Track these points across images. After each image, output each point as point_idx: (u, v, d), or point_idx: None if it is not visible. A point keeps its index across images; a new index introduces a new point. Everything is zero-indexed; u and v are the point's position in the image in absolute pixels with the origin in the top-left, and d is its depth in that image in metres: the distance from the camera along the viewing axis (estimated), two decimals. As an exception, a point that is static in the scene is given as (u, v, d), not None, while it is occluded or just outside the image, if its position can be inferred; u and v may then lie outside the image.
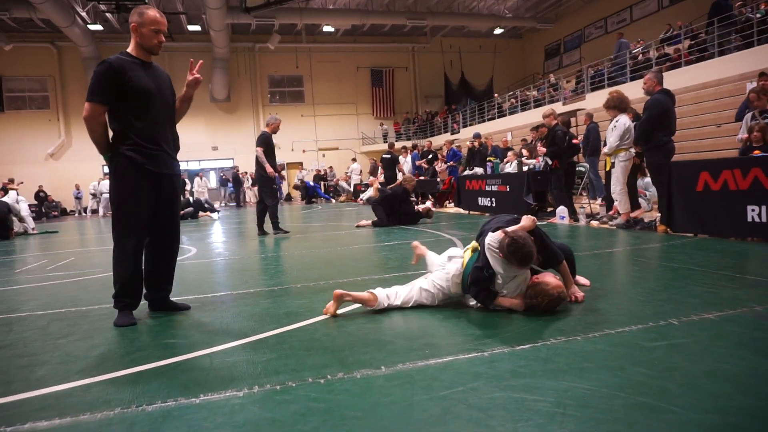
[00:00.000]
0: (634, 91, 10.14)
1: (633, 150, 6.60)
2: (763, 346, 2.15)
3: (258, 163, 8.02)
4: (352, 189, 21.00)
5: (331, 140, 28.56)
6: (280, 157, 27.65)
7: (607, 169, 6.99)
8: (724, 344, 2.20)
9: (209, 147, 26.79)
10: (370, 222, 8.99)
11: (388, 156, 13.91)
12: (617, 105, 6.69)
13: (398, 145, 23.39)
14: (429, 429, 1.61)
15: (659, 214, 6.17)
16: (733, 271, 3.66)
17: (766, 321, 2.48)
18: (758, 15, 12.33)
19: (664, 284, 3.33)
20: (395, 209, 8.83)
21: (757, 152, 5.74)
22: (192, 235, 9.49)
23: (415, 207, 9.21)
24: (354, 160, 25.60)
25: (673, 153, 6.30)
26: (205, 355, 2.45)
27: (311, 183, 23.68)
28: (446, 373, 2.06)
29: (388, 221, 8.72)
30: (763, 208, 4.69)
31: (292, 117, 28.26)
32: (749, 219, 4.82)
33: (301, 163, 27.91)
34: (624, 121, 6.58)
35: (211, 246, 7.50)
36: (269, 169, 7.93)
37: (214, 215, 14.88)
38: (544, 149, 7.97)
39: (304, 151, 28.36)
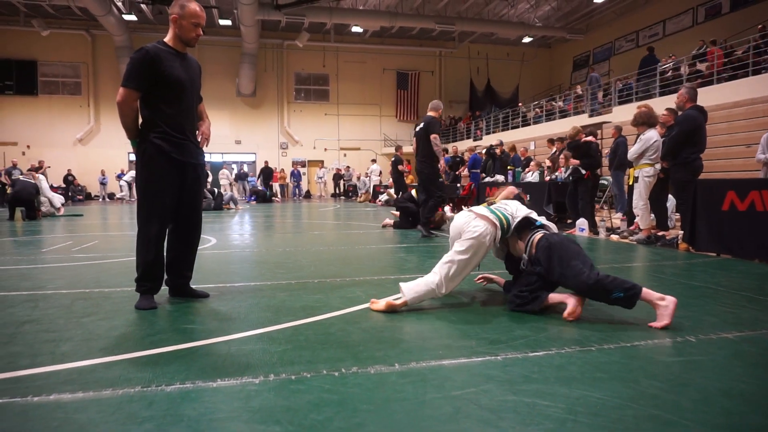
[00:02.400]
0: (663, 106, 10.01)
1: (658, 166, 6.53)
2: (782, 368, 2.13)
3: (427, 151, 7.12)
4: (371, 189, 21.04)
5: (354, 140, 28.69)
6: (302, 155, 27.98)
7: (630, 183, 6.92)
8: (742, 364, 2.18)
9: (233, 140, 27.11)
10: (392, 222, 9.04)
11: (393, 159, 14.02)
12: (646, 121, 6.62)
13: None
14: (440, 426, 1.64)
15: (681, 232, 6.09)
16: (755, 293, 3.61)
17: (786, 344, 2.44)
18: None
19: (683, 302, 3.30)
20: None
21: (786, 174, 5.64)
22: (212, 225, 9.62)
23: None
24: (374, 161, 25.68)
25: (700, 171, 6.22)
26: (223, 342, 2.50)
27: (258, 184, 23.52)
28: (459, 373, 2.08)
29: (410, 223, 8.74)
30: (790, 231, 4.61)
31: (316, 115, 28.48)
32: (774, 242, 4.74)
33: (322, 161, 28.11)
34: (651, 135, 6.51)
35: (231, 237, 7.60)
36: (442, 160, 7.27)
37: (232, 209, 15.06)
38: (576, 161, 7.89)
39: (326, 149, 28.55)
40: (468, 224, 3.13)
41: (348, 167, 27.10)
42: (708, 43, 15.47)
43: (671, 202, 7.40)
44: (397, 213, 9.17)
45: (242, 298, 3.49)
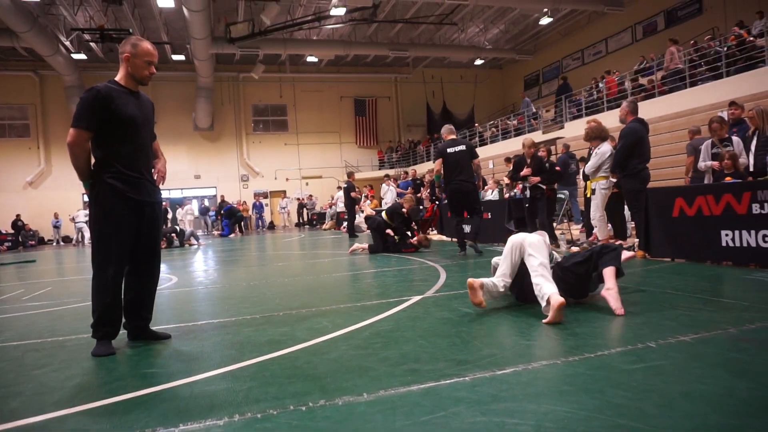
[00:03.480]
0: (612, 120, 10.42)
1: (612, 178, 6.75)
2: (738, 367, 2.20)
3: (471, 171, 7.53)
4: (336, 216, 20.99)
5: (315, 168, 28.68)
6: (263, 186, 27.76)
7: (588, 195, 7.13)
8: (700, 366, 2.24)
9: (192, 175, 26.69)
10: (365, 246, 9.00)
11: (345, 185, 14.09)
12: (599, 134, 6.86)
13: (381, 173, 23.57)
14: (410, 454, 1.61)
15: (637, 240, 6.29)
16: (709, 295, 3.74)
17: (741, 343, 2.53)
18: (726, 48, 12.85)
19: (642, 308, 3.39)
20: (395, 230, 8.85)
21: (728, 179, 5.91)
22: (173, 263, 9.38)
23: (411, 239, 9.10)
24: (339, 188, 25.69)
25: (648, 180, 6.46)
26: (185, 384, 2.42)
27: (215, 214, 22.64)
28: (428, 398, 2.06)
29: (383, 247, 8.74)
30: (736, 233, 4.82)
31: (276, 145, 28.41)
32: (723, 243, 4.95)
33: (284, 192, 27.92)
34: (605, 149, 6.73)
35: (193, 275, 7.42)
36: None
37: (195, 245, 14.77)
38: (536, 178, 8.04)
39: (287, 179, 28.41)
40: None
41: (311, 196, 27.00)
42: (647, 58, 16.29)
43: (627, 212, 7.64)
44: (363, 245, 9.13)
45: (205, 336, 3.39)
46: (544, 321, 3.10)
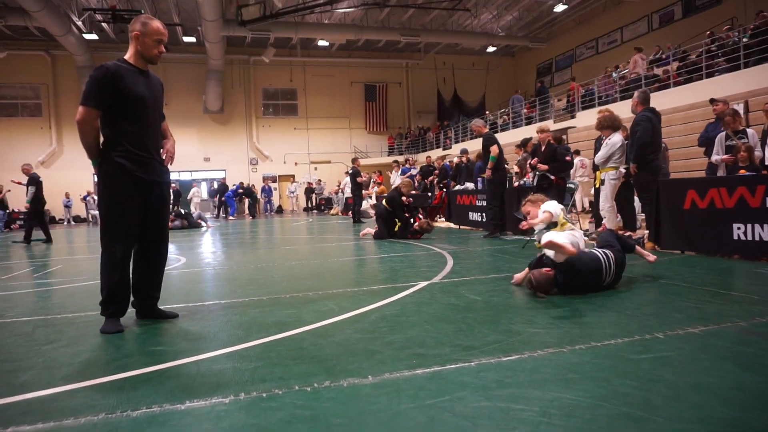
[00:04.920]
0: (624, 110, 10.29)
1: (623, 168, 6.68)
2: (747, 360, 2.18)
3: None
4: (344, 202, 20.97)
5: (324, 153, 28.65)
6: (272, 170, 27.79)
7: (597, 186, 7.06)
8: (708, 357, 2.23)
9: (201, 158, 26.76)
10: (372, 231, 9.03)
11: (351, 171, 14.10)
12: (611, 124, 6.77)
13: (390, 159, 23.53)
14: (414, 437, 1.62)
15: (647, 231, 6.23)
16: (719, 288, 3.71)
17: (750, 336, 2.51)
18: (744, 39, 12.60)
19: (651, 299, 3.36)
20: (396, 218, 8.86)
21: (742, 171, 5.83)
22: (182, 244, 9.44)
23: (414, 225, 9.11)
24: (347, 173, 25.69)
25: (659, 171, 6.39)
26: (192, 363, 2.44)
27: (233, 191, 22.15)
28: (433, 382, 2.06)
29: (388, 233, 8.75)
30: (749, 226, 4.76)
31: (285, 130, 28.39)
32: (735, 237, 4.89)
33: (293, 176, 27.95)
34: (616, 139, 6.65)
35: (201, 256, 7.46)
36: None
37: (204, 227, 14.85)
38: (544, 166, 7.99)
39: (296, 163, 28.42)
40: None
41: (319, 181, 27.01)
42: (663, 48, 16.03)
43: (638, 203, 7.57)
44: (372, 230, 9.13)
45: (213, 316, 3.41)
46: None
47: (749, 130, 6.43)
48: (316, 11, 21.99)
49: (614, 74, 17.10)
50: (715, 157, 6.57)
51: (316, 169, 28.53)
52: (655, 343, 2.46)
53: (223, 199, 21.63)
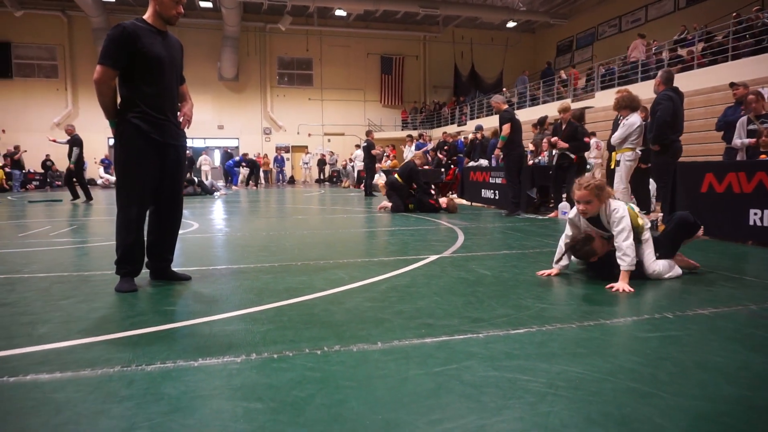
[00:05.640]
0: (646, 90, 10.10)
1: (639, 150, 6.59)
2: (755, 342, 2.18)
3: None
4: (356, 175, 20.95)
5: (338, 125, 28.52)
6: (285, 140, 27.76)
7: (612, 167, 6.98)
8: (717, 338, 2.23)
9: (215, 126, 26.76)
10: (389, 205, 9.03)
11: (365, 144, 13.98)
12: (629, 104, 6.64)
13: (404, 133, 23.40)
14: (422, 401, 1.65)
15: (661, 214, 6.17)
16: (731, 272, 3.68)
17: (761, 319, 2.50)
18: (774, 20, 12.23)
19: (662, 282, 3.35)
20: (410, 188, 8.87)
21: (763, 157, 5.73)
22: (194, 210, 9.52)
23: (434, 199, 9.12)
24: (358, 146, 25.58)
25: (680, 153, 6.29)
26: (204, 323, 2.48)
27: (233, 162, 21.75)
28: (441, 351, 2.09)
29: (404, 207, 8.75)
30: (766, 212, 4.70)
31: (300, 100, 28.24)
32: (751, 222, 4.83)
33: (306, 147, 27.90)
34: (634, 120, 6.54)
35: (213, 222, 7.53)
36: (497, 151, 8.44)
37: (216, 194, 14.96)
38: (564, 144, 7.91)
39: (309, 135, 28.34)
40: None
41: (332, 152, 26.94)
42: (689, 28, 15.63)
43: (652, 185, 7.49)
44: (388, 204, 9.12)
45: (225, 280, 3.46)
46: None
47: (773, 115, 6.28)
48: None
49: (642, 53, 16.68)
50: (737, 141, 6.45)
51: (329, 140, 28.45)
52: (665, 322, 2.46)
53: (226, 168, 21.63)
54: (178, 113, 3.32)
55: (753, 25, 12.92)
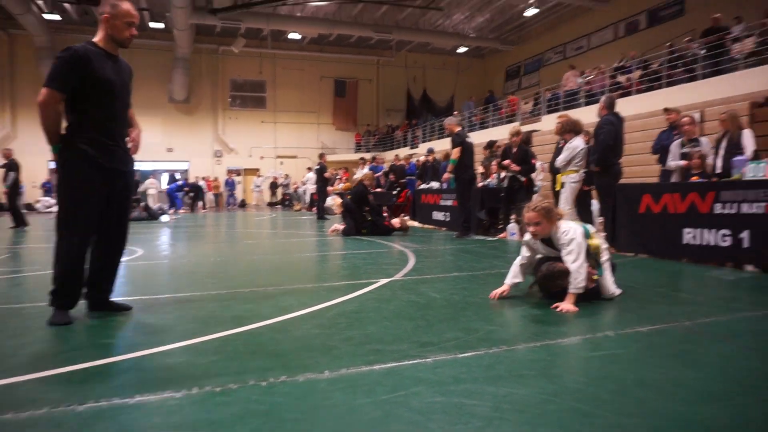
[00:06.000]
0: (589, 115, 10.55)
1: (583, 172, 6.85)
2: (689, 357, 2.27)
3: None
4: (308, 198, 20.81)
5: (291, 148, 28.37)
6: (237, 163, 27.37)
7: (557, 188, 7.21)
8: (655, 355, 2.31)
9: (164, 148, 26.10)
10: (341, 227, 8.97)
11: (317, 167, 13.96)
12: (572, 128, 6.93)
13: (357, 156, 23.54)
14: (369, 431, 1.62)
15: (604, 234, 6.40)
16: (667, 289, 3.85)
17: (694, 335, 2.61)
18: (702, 51, 13.08)
19: (604, 300, 3.46)
20: (362, 212, 8.86)
21: (695, 178, 6.06)
22: (139, 236, 9.20)
23: (388, 221, 9.13)
24: (310, 169, 25.51)
25: (620, 175, 6.58)
26: (144, 356, 2.38)
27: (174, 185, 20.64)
28: (389, 378, 2.07)
29: (356, 229, 8.71)
30: (698, 231, 4.95)
31: (252, 122, 27.98)
32: (684, 241, 5.08)
33: (257, 170, 27.55)
34: (577, 143, 6.81)
35: (159, 248, 7.29)
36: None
37: (164, 218, 14.52)
38: (516, 167, 8.11)
39: (262, 157, 28.03)
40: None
41: (286, 175, 26.70)
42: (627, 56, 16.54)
43: (595, 206, 7.78)
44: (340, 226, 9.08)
45: (168, 309, 3.34)
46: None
47: (703, 139, 6.68)
48: (288, 3, 21.75)
49: (579, 80, 17.49)
50: (671, 163, 6.80)
51: (282, 163, 28.21)
52: (606, 341, 2.53)
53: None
54: (127, 139, 3.23)
55: (684, 54, 13.78)
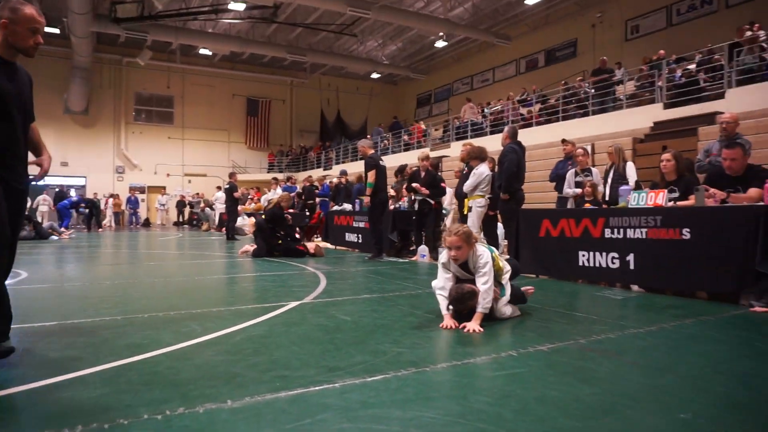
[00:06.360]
0: (493, 143, 11.13)
1: (488, 197, 7.18)
2: (585, 374, 2.40)
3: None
4: (217, 218, 20.05)
5: (200, 166, 27.36)
6: (141, 180, 25.91)
7: (465, 212, 7.49)
8: (554, 373, 2.42)
9: (58, 162, 24.12)
10: (251, 249, 8.68)
11: (227, 186, 13.65)
12: (478, 155, 7.27)
13: (270, 176, 23.14)
14: (271, 463, 1.55)
15: (508, 257, 6.72)
16: (566, 309, 4.08)
17: (588, 352, 2.78)
18: (592, 90, 14.32)
19: (508, 320, 3.60)
20: (276, 233, 8.66)
21: (587, 205, 6.54)
22: (25, 257, 8.37)
23: (301, 244, 8.96)
24: (219, 188, 24.68)
25: (523, 201, 6.97)
26: (22, 392, 2.14)
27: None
28: (295, 405, 2.01)
29: (267, 251, 8.47)
30: (591, 254, 5.33)
31: (159, 138, 26.74)
32: (580, 263, 5.44)
33: (164, 188, 26.23)
34: (483, 169, 7.14)
35: (47, 270, 6.67)
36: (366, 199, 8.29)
37: (55, 238, 13.36)
38: (425, 190, 8.29)
39: (168, 175, 26.76)
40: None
41: (196, 194, 25.58)
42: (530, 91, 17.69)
43: (500, 229, 8.15)
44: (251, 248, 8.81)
45: (53, 339, 3.04)
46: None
47: (594, 169, 7.27)
48: (199, 18, 21.17)
49: (486, 110, 18.48)
50: (567, 190, 7.31)
51: (190, 181, 27.08)
52: (509, 360, 2.63)
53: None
54: (35, 161, 2.90)
55: (577, 92, 15.01)
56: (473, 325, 3.24)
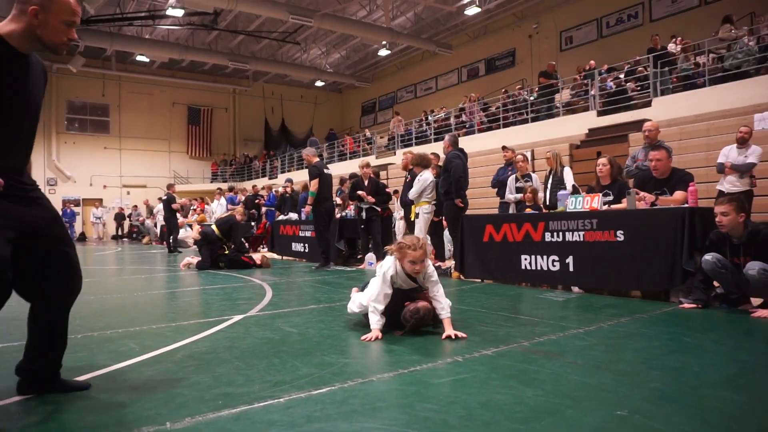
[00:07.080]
0: (437, 150, 11.31)
1: (434, 203, 7.28)
2: (527, 377, 2.46)
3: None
4: (158, 230, 19.34)
5: (139, 177, 26.34)
6: (75, 192, 24.67)
7: (412, 218, 7.57)
8: (498, 377, 2.46)
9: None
10: (194, 261, 8.39)
11: (165, 197, 13.30)
12: (421, 162, 7.37)
13: (214, 186, 22.58)
14: (211, 487, 1.49)
15: (453, 262, 6.82)
16: (510, 312, 4.18)
17: (530, 354, 2.84)
18: (531, 98, 14.81)
19: (455, 326, 3.63)
20: (224, 244, 8.45)
21: (528, 210, 6.74)
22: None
23: (247, 256, 8.75)
24: (161, 199, 23.86)
25: (467, 206, 7.10)
26: (-67, 426, 1.97)
27: None
28: (239, 423, 1.95)
29: (212, 262, 8.22)
30: (533, 257, 5.49)
31: (94, 148, 25.57)
32: (523, 267, 5.59)
33: (100, 200, 25.08)
34: (427, 176, 7.23)
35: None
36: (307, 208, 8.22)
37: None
38: (371, 198, 8.29)
39: (105, 186, 25.62)
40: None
41: (136, 206, 24.59)
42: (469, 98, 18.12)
43: (447, 235, 8.29)
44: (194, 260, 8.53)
45: (-28, 365, 2.82)
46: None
47: (534, 175, 7.51)
48: (135, 24, 20.45)
49: (430, 117, 18.76)
50: (509, 196, 7.52)
51: (128, 193, 26.01)
52: (455, 366, 2.65)
53: None
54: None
55: (517, 100, 15.50)
56: (454, 331, 3.24)
